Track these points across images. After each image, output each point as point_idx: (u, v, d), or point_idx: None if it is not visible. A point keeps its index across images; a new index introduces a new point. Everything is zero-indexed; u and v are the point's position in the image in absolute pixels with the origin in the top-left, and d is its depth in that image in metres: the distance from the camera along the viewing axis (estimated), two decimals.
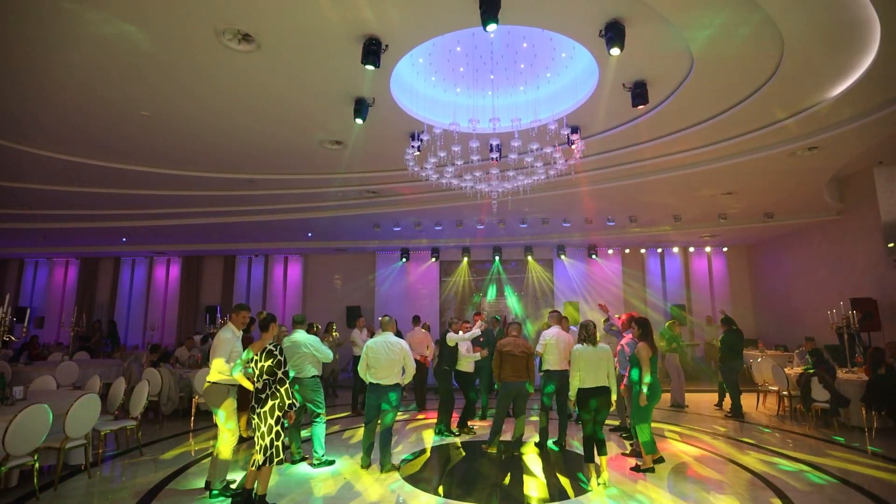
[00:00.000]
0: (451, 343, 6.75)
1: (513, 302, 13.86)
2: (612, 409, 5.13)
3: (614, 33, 3.93)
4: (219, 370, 4.26)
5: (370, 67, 4.20)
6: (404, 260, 13.75)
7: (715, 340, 9.52)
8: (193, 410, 7.00)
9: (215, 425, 4.46)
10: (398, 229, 11.36)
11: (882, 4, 3.57)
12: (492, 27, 3.64)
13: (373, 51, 4.18)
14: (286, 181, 8.23)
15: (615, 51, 3.94)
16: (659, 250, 14.21)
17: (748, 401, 8.60)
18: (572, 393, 4.80)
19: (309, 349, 5.25)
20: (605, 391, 4.84)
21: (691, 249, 14.14)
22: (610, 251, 14.00)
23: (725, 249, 14.05)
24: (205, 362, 8.15)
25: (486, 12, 3.56)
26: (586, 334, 5.00)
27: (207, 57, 4.49)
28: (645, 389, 4.95)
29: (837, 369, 7.51)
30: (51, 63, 4.59)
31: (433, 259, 13.86)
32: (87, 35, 4.12)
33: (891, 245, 8.31)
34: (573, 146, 5.55)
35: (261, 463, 3.90)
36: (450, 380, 6.80)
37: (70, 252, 15.12)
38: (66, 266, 16.10)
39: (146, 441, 6.13)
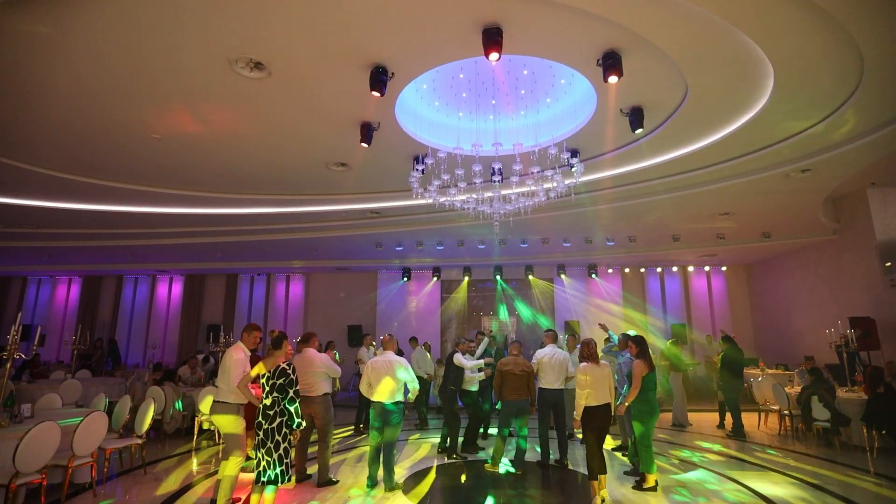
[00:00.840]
0: (458, 365, 6.72)
1: (526, 315, 13.92)
2: (613, 424, 5.21)
3: (611, 63, 4.11)
4: (231, 389, 4.31)
5: (377, 94, 4.38)
6: (406, 279, 13.85)
7: (714, 357, 9.55)
8: (196, 429, 7.02)
9: (217, 444, 4.50)
10: (400, 249, 11.48)
11: (867, 42, 3.75)
12: (494, 57, 3.82)
13: (380, 79, 4.37)
14: (291, 201, 8.39)
15: (613, 79, 4.12)
16: (658, 269, 14.32)
17: (750, 420, 8.61)
18: (578, 412, 4.85)
19: (321, 367, 5.32)
20: (608, 408, 4.90)
21: (690, 269, 14.25)
22: (610, 270, 14.12)
23: (724, 269, 14.16)
24: (208, 381, 8.19)
25: (489, 45, 3.75)
26: (588, 353, 5.07)
27: (220, 83, 4.66)
28: (626, 403, 5.13)
29: (837, 388, 7.55)
30: (69, 87, 4.76)
31: (434, 278, 13.97)
32: (105, 62, 4.29)
33: (888, 264, 8.43)
34: (573, 169, 5.71)
35: (266, 480, 3.94)
36: (455, 400, 6.80)
37: (74, 270, 15.26)
38: (69, 283, 16.19)
39: (149, 459, 6.15)
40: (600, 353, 5.79)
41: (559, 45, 4.12)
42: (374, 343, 9.00)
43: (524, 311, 13.99)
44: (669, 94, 4.88)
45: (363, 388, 5.37)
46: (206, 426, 6.96)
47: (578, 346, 6.53)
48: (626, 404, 5.19)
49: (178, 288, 15.68)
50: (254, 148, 6.17)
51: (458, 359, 6.60)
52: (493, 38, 3.77)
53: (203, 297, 15.48)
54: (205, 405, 6.87)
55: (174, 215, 9.13)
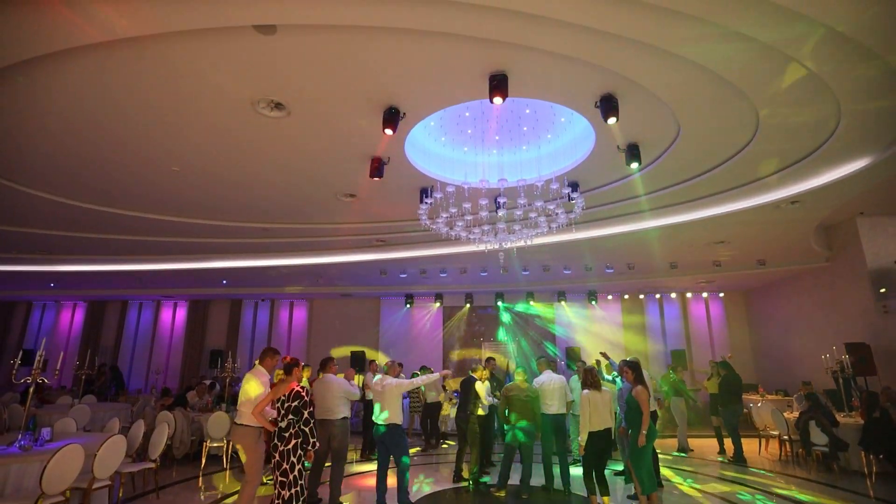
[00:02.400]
0: (481, 393, 6.66)
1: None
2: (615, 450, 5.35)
3: (609, 105, 4.43)
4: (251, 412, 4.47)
5: (390, 132, 4.68)
6: (408, 305, 14.04)
7: (704, 382, 9.68)
8: (204, 454, 7.11)
9: (225, 469, 4.63)
10: (404, 276, 11.72)
11: (841, 91, 4.09)
12: (498, 101, 4.14)
13: (392, 118, 4.68)
14: (299, 230, 8.66)
15: (611, 121, 4.43)
16: (657, 296, 14.52)
17: (750, 446, 8.69)
18: (583, 437, 5.02)
19: (339, 391, 5.50)
20: (608, 432, 5.06)
21: (689, 295, 14.45)
22: (609, 297, 14.32)
23: (722, 295, 14.37)
24: (215, 406, 8.30)
25: (495, 90, 4.07)
26: (591, 380, 5.26)
27: (241, 122, 4.98)
28: (642, 432, 5.18)
29: (835, 413, 7.67)
30: (98, 121, 5.04)
31: (437, 304, 14.15)
32: (131, 100, 4.59)
33: (883, 290, 8.65)
34: (573, 201, 6.00)
35: (284, 500, 4.08)
36: (472, 424, 6.72)
37: (79, 295, 15.40)
38: (74, 309, 16.29)
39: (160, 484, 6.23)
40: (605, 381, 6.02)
41: (560, 89, 4.46)
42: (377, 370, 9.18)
43: (525, 336, 14.13)
44: (663, 132, 5.20)
45: (375, 414, 5.53)
46: (212, 452, 7.05)
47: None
48: (643, 432, 5.15)
49: (181, 313, 15.81)
50: (267, 179, 6.46)
51: (479, 388, 6.61)
52: (498, 85, 4.09)
53: (207, 322, 15.60)
54: (214, 430, 7.00)
55: (183, 243, 9.39)
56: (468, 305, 14.03)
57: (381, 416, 5.37)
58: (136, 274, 11.97)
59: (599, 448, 4.98)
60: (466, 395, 6.74)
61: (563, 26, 3.48)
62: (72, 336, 16.02)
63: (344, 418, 5.57)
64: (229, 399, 8.46)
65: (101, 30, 3.51)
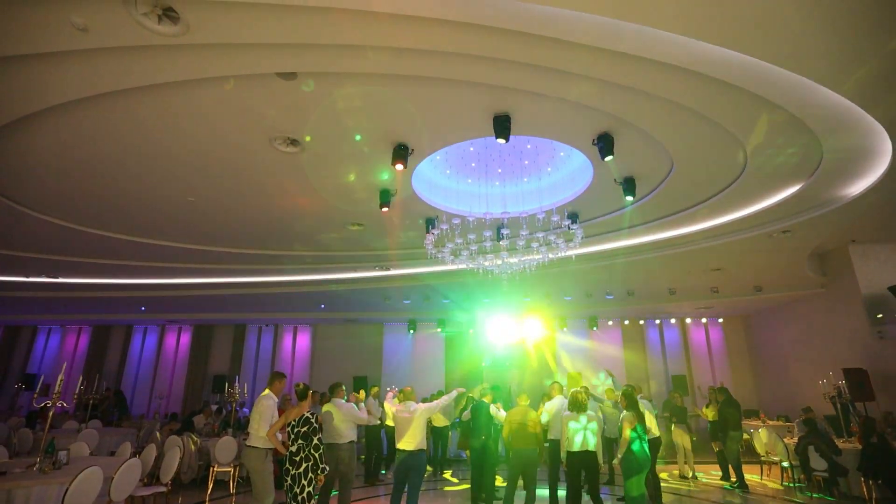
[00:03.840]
0: (497, 416, 6.69)
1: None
2: (602, 470, 5.54)
3: (605, 143, 4.73)
4: (261, 434, 4.64)
5: (400, 167, 4.97)
6: (412, 331, 14.18)
7: (703, 408, 9.73)
8: (212, 479, 7.18)
9: (231, 494, 4.74)
10: (408, 302, 11.92)
11: (828, 139, 4.38)
12: (502, 141, 4.44)
13: (401, 154, 4.97)
14: (306, 257, 8.90)
15: (608, 158, 4.72)
16: (657, 321, 14.67)
17: (752, 472, 8.72)
18: (563, 455, 5.23)
19: (348, 415, 5.62)
20: (592, 456, 5.26)
21: (688, 320, 14.60)
22: (610, 322, 14.47)
23: (721, 320, 14.52)
24: (221, 431, 8.39)
25: (499, 131, 4.38)
26: (576, 403, 5.49)
27: (257, 156, 5.27)
28: (619, 455, 5.35)
29: (835, 439, 7.75)
30: (119, 157, 5.34)
31: (439, 330, 14.28)
32: (156, 137, 4.88)
33: (879, 316, 8.81)
34: (572, 229, 6.26)
35: None
36: (487, 451, 6.78)
37: (84, 320, 15.55)
38: (79, 333, 16.39)
39: None
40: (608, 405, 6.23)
41: (559, 128, 4.77)
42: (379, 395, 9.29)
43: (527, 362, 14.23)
44: (657, 167, 5.49)
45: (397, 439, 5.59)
46: (219, 476, 7.12)
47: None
48: (618, 456, 5.36)
49: (186, 338, 15.92)
50: (278, 208, 6.72)
51: (494, 411, 6.68)
52: (502, 125, 4.40)
53: (210, 347, 15.69)
54: (221, 455, 7.09)
55: (192, 269, 9.62)
56: (471, 331, 14.17)
57: (408, 442, 5.39)
58: (142, 299, 12.17)
59: (579, 469, 5.18)
60: (479, 420, 6.76)
61: (563, 75, 3.79)
62: (76, 361, 16.08)
63: (351, 442, 5.69)
64: (235, 424, 8.55)
65: (142, 76, 3.83)
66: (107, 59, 3.62)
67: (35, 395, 5.07)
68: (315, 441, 4.38)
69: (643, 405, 6.37)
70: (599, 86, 3.94)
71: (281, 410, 5.24)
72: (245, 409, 11.82)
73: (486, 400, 6.81)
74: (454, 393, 6.23)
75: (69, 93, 4.06)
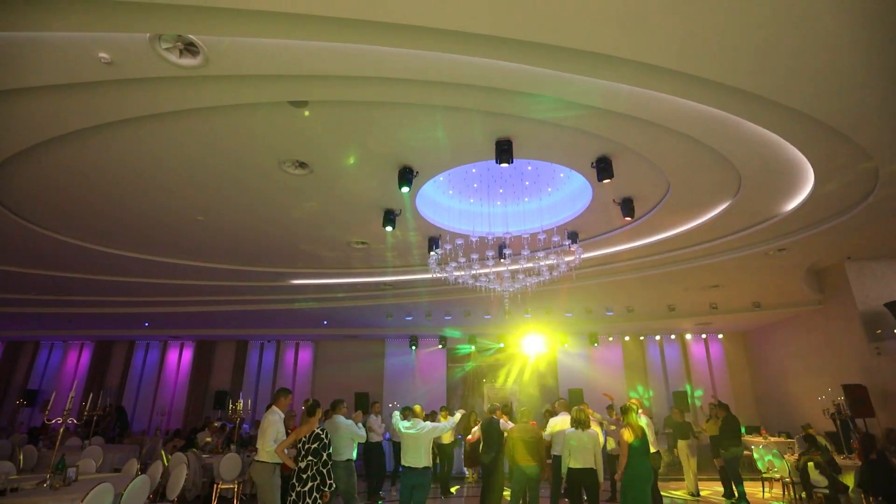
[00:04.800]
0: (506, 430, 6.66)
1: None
2: (601, 488, 5.62)
3: (604, 166, 4.90)
4: (268, 450, 4.73)
5: (406, 189, 5.13)
6: (413, 347, 14.24)
7: (702, 424, 9.78)
8: (215, 497, 7.21)
9: None
10: (409, 318, 12.02)
11: (812, 155, 4.56)
12: (505, 165, 4.61)
13: (407, 177, 5.14)
14: (310, 273, 9.03)
15: (606, 181, 4.89)
16: (657, 337, 14.73)
17: (754, 488, 8.73)
18: (563, 471, 5.31)
19: (348, 432, 5.72)
20: (592, 472, 5.35)
21: (688, 336, 14.67)
22: (610, 338, 14.54)
23: (721, 336, 14.58)
24: (225, 448, 8.43)
25: (500, 155, 4.55)
26: (578, 420, 5.59)
27: (266, 178, 5.43)
28: (620, 470, 5.44)
29: (835, 455, 7.78)
30: (131, 178, 5.52)
31: (441, 346, 14.35)
32: (186, 156, 5.05)
33: (879, 331, 8.88)
34: (572, 248, 6.41)
35: None
36: (498, 467, 6.79)
37: (87, 335, 15.59)
38: (81, 349, 16.39)
39: None
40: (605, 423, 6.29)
41: (559, 152, 4.94)
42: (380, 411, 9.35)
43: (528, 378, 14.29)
44: (654, 188, 5.66)
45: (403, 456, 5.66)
46: (223, 494, 7.16)
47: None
48: (619, 471, 5.46)
49: (188, 354, 15.95)
50: (285, 227, 6.87)
51: (503, 424, 6.70)
52: (505, 150, 4.57)
53: (212, 363, 15.71)
54: (226, 471, 7.14)
55: (197, 286, 9.74)
56: (472, 347, 14.24)
57: (415, 460, 5.45)
58: (146, 315, 12.27)
59: (579, 485, 5.26)
60: (491, 436, 6.78)
61: (563, 104, 3.97)
62: (77, 376, 16.05)
63: (348, 460, 5.79)
64: (239, 441, 8.59)
65: (160, 105, 4.01)
66: (127, 88, 3.81)
67: (47, 411, 5.16)
68: (324, 457, 4.46)
69: (643, 421, 6.45)
70: (599, 114, 4.12)
71: (292, 425, 5.33)
72: (246, 426, 11.83)
73: (496, 416, 6.89)
74: (458, 416, 6.32)
75: (88, 120, 4.24)
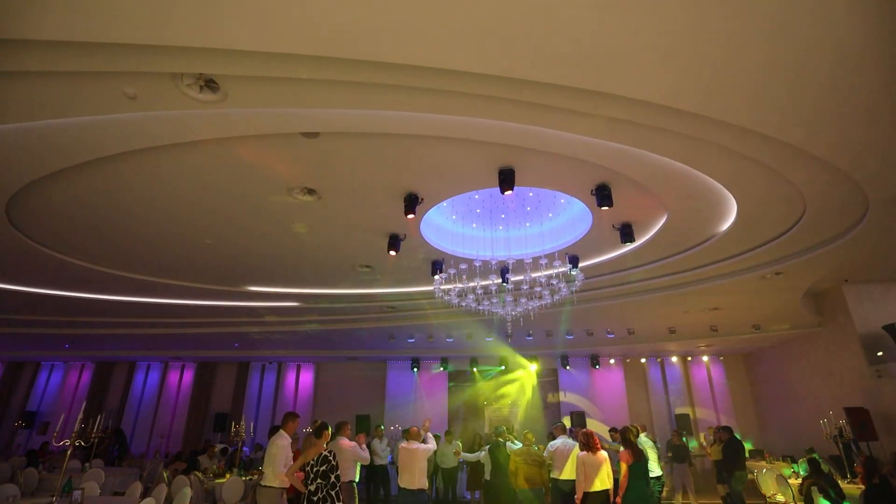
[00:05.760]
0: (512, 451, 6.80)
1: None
2: None
3: (603, 194, 5.06)
4: (276, 475, 4.76)
5: (411, 216, 5.29)
6: (415, 369, 14.24)
7: (707, 448, 9.74)
8: None
9: None
10: (412, 341, 12.08)
11: (809, 192, 4.73)
12: (508, 193, 4.77)
13: (412, 204, 5.30)
14: (315, 295, 9.14)
15: (605, 208, 5.05)
16: (658, 359, 14.73)
17: None
18: (578, 496, 5.30)
19: (352, 454, 5.77)
20: (605, 494, 5.35)
21: (689, 358, 14.67)
22: (612, 360, 14.54)
23: (722, 358, 14.58)
24: (227, 471, 8.41)
25: (503, 184, 4.71)
26: (586, 443, 5.62)
27: (275, 204, 5.60)
28: (620, 493, 5.48)
29: (839, 480, 7.75)
30: (141, 205, 5.69)
31: (442, 368, 14.34)
32: (200, 182, 5.22)
33: (880, 353, 8.91)
34: (572, 272, 6.54)
35: None
36: (503, 486, 6.86)
37: (88, 356, 15.56)
38: (81, 370, 16.33)
39: None
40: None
41: (560, 180, 5.11)
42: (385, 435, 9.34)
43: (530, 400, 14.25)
44: (653, 214, 5.82)
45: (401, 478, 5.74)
46: None
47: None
48: (620, 493, 5.52)
49: (189, 375, 15.91)
50: (290, 251, 7.01)
51: (510, 446, 6.83)
52: (507, 178, 4.74)
53: (213, 385, 15.67)
54: (228, 495, 7.13)
55: (203, 307, 9.84)
56: (474, 369, 14.24)
57: (408, 481, 5.53)
58: (149, 335, 12.32)
59: None
60: (498, 459, 6.87)
61: (562, 138, 4.15)
62: (77, 398, 15.94)
63: (350, 482, 5.83)
64: (241, 464, 8.56)
65: (191, 134, 4.19)
66: (145, 120, 3.99)
67: (55, 434, 5.22)
68: (332, 479, 4.51)
69: (646, 443, 6.49)
70: (596, 145, 4.29)
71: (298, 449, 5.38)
72: (246, 449, 11.76)
73: (500, 439, 6.98)
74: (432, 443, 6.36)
75: (108, 149, 4.42)
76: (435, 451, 6.45)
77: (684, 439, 9.41)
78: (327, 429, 4.81)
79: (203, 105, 3.73)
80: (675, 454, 9.05)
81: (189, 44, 3.06)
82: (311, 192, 5.39)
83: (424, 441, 5.86)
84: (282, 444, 4.89)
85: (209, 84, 3.56)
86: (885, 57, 3.17)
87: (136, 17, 2.85)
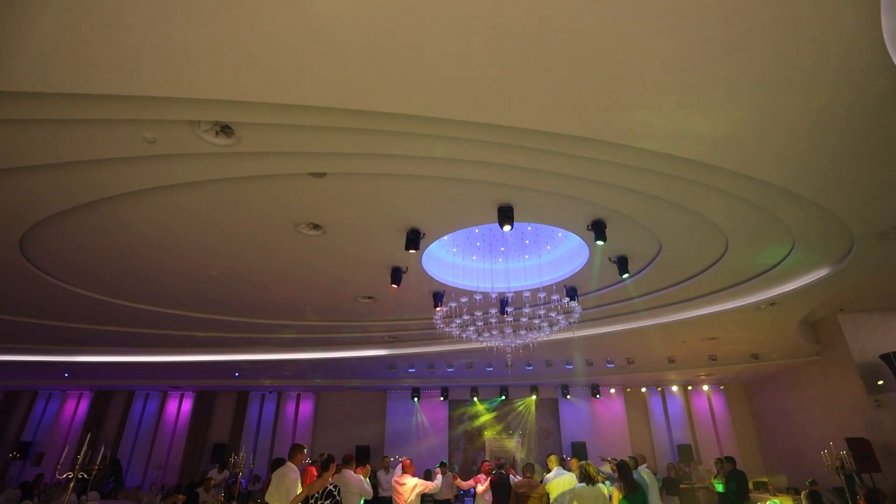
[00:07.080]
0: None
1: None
2: None
3: (598, 229, 5.24)
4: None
5: (413, 251, 5.46)
6: (415, 399, 14.19)
7: (709, 480, 9.67)
8: None
9: None
10: (412, 370, 12.10)
11: (797, 227, 4.92)
12: (507, 229, 4.95)
13: (413, 239, 5.46)
14: (315, 327, 9.23)
15: (600, 243, 5.22)
16: (659, 389, 14.69)
17: None
18: None
19: (357, 487, 5.78)
20: None
21: (690, 387, 14.63)
22: (612, 390, 14.50)
23: (722, 387, 14.55)
24: (227, 502, 8.34)
25: (503, 220, 4.90)
26: (586, 475, 5.67)
27: (281, 238, 5.77)
28: None
29: None
30: (147, 242, 5.85)
31: (442, 398, 14.29)
32: (210, 219, 5.40)
33: (880, 382, 8.91)
34: (570, 304, 6.67)
35: None
36: None
37: (88, 385, 15.45)
38: (79, 399, 16.18)
39: None
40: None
41: (557, 216, 5.30)
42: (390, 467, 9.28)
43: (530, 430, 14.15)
44: (647, 248, 5.99)
45: None
46: None
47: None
48: None
49: (187, 405, 15.80)
50: (294, 282, 7.14)
51: (513, 480, 6.84)
52: (506, 215, 4.92)
53: (212, 414, 15.55)
54: None
55: (206, 337, 9.91)
56: (475, 399, 14.20)
57: None
58: (150, 365, 12.32)
59: None
60: (502, 492, 6.88)
61: (558, 176, 4.36)
62: (73, 428, 15.73)
63: None
64: (239, 496, 8.49)
65: (205, 173, 4.38)
66: (160, 162, 4.19)
67: (58, 466, 5.24)
68: None
69: (646, 475, 6.51)
70: (591, 184, 4.50)
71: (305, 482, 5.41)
72: (243, 480, 11.62)
73: (504, 471, 7.02)
74: (439, 479, 6.66)
75: (124, 187, 4.61)
76: None
77: (687, 469, 9.35)
78: (333, 462, 4.86)
79: (217, 148, 3.94)
80: (667, 487, 9.00)
81: (206, 96, 3.28)
82: (316, 227, 5.56)
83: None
84: (294, 478, 4.91)
85: (224, 130, 3.77)
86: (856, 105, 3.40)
87: (155, 72, 3.08)
